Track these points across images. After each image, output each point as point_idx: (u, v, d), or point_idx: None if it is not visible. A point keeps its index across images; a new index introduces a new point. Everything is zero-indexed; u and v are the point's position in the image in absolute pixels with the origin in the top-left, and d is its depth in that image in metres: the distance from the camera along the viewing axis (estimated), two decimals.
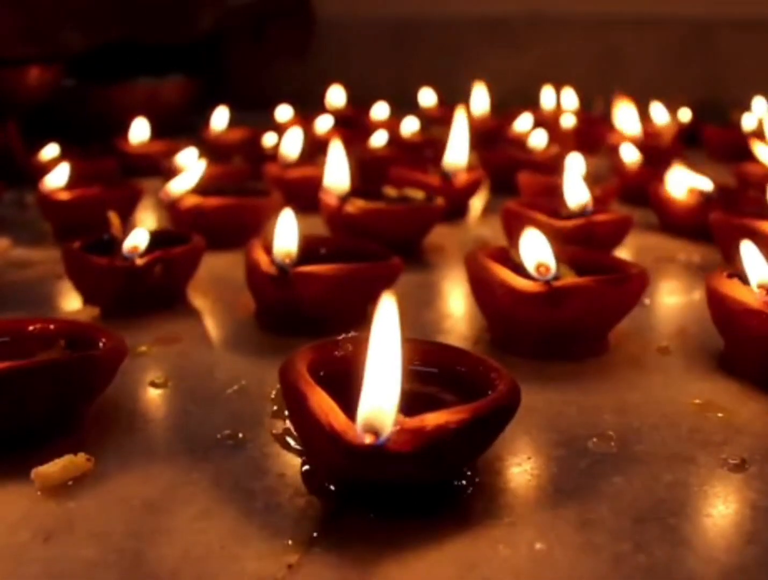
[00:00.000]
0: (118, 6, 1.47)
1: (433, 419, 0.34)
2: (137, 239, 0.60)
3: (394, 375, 0.34)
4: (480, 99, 1.37)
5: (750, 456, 0.42)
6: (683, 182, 0.81)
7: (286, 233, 0.55)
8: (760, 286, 0.48)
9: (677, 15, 1.60)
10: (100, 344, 0.46)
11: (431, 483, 0.37)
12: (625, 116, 1.22)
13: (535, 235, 0.52)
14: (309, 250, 0.59)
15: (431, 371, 0.42)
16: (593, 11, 1.64)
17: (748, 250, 0.51)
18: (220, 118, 1.21)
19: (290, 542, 0.35)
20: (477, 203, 0.94)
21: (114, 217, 0.64)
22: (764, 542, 0.35)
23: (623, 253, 0.75)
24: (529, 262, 0.52)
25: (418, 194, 0.75)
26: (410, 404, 0.37)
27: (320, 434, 0.35)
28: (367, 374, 0.35)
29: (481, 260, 0.53)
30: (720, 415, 0.46)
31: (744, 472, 0.40)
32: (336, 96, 1.48)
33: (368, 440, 0.33)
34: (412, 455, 0.33)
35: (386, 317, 0.36)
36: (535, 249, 0.52)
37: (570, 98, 1.44)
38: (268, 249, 0.56)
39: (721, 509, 0.38)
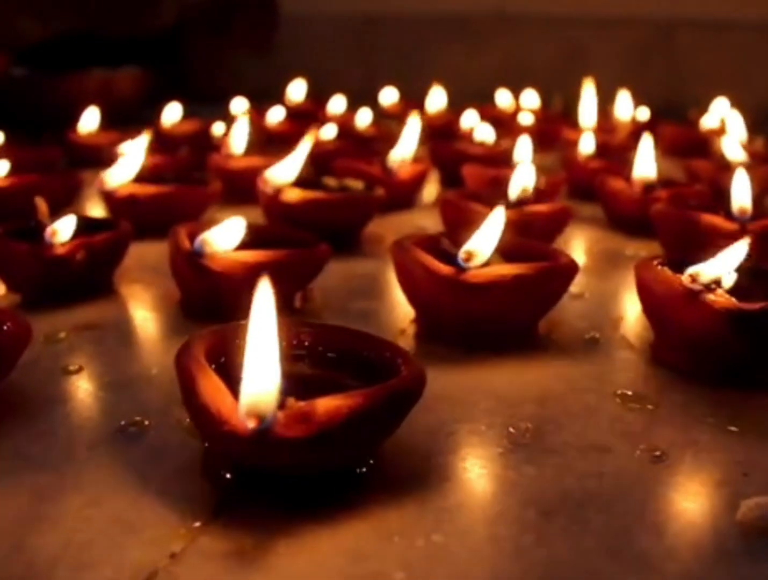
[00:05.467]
0: None
1: (324, 404, 0.33)
2: (59, 225, 0.58)
3: (272, 357, 0.33)
4: (437, 97, 1.36)
5: (668, 448, 0.40)
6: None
7: (223, 226, 0.54)
8: (691, 275, 0.47)
9: (639, 15, 1.60)
10: (4, 328, 0.44)
11: (327, 471, 0.36)
12: (587, 103, 1.21)
13: (490, 223, 0.51)
14: None
15: (338, 356, 0.40)
16: (556, 10, 1.64)
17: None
18: (172, 112, 1.19)
19: (178, 530, 0.33)
20: (426, 196, 0.93)
21: (41, 203, 0.62)
22: (673, 535, 0.34)
23: (567, 245, 0.74)
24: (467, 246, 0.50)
25: (357, 184, 0.73)
26: (314, 389, 0.35)
27: (209, 419, 0.33)
28: (246, 359, 0.33)
29: (406, 247, 0.51)
30: (643, 405, 0.45)
31: (661, 464, 0.39)
32: (296, 90, 1.46)
33: (251, 424, 0.31)
34: (301, 440, 0.32)
35: (262, 301, 0.34)
36: (478, 237, 0.51)
37: (530, 97, 1.43)
38: (192, 236, 0.55)
39: (631, 502, 0.36)
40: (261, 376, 0.32)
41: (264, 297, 0.35)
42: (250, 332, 0.34)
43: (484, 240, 0.50)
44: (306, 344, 0.41)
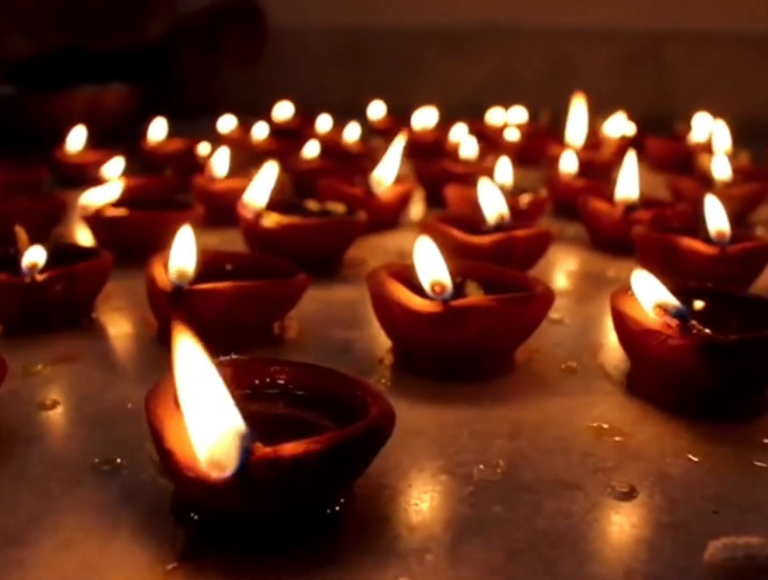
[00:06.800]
0: (65, 12, 1.45)
1: (291, 449, 0.33)
2: (37, 256, 0.58)
3: (224, 405, 0.33)
4: (424, 114, 1.37)
5: (640, 483, 0.40)
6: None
7: (183, 250, 0.54)
8: (657, 307, 0.47)
9: (626, 28, 1.60)
10: None
11: (297, 514, 0.36)
12: (576, 119, 1.21)
13: (428, 250, 0.51)
14: (215, 266, 0.58)
15: (310, 396, 0.40)
16: (545, 23, 1.64)
17: (639, 278, 0.50)
18: (157, 129, 1.19)
19: (148, 576, 0.33)
20: (412, 214, 0.93)
21: (20, 232, 0.62)
22: (644, 575, 0.34)
23: (549, 267, 0.74)
24: (425, 279, 0.50)
25: (339, 208, 0.73)
26: (286, 430, 0.35)
27: (175, 465, 0.33)
28: (192, 411, 0.33)
29: (381, 278, 0.51)
30: (616, 439, 0.45)
31: (631, 500, 0.39)
32: (283, 106, 1.46)
33: (214, 474, 0.31)
34: (267, 486, 0.32)
35: (187, 353, 0.34)
36: (430, 265, 0.51)
37: (518, 111, 1.44)
38: (167, 265, 0.55)
39: (601, 541, 0.36)
40: (217, 425, 0.32)
41: (188, 352, 0.34)
42: (189, 387, 0.34)
43: (434, 267, 0.51)
44: (279, 382, 0.41)
